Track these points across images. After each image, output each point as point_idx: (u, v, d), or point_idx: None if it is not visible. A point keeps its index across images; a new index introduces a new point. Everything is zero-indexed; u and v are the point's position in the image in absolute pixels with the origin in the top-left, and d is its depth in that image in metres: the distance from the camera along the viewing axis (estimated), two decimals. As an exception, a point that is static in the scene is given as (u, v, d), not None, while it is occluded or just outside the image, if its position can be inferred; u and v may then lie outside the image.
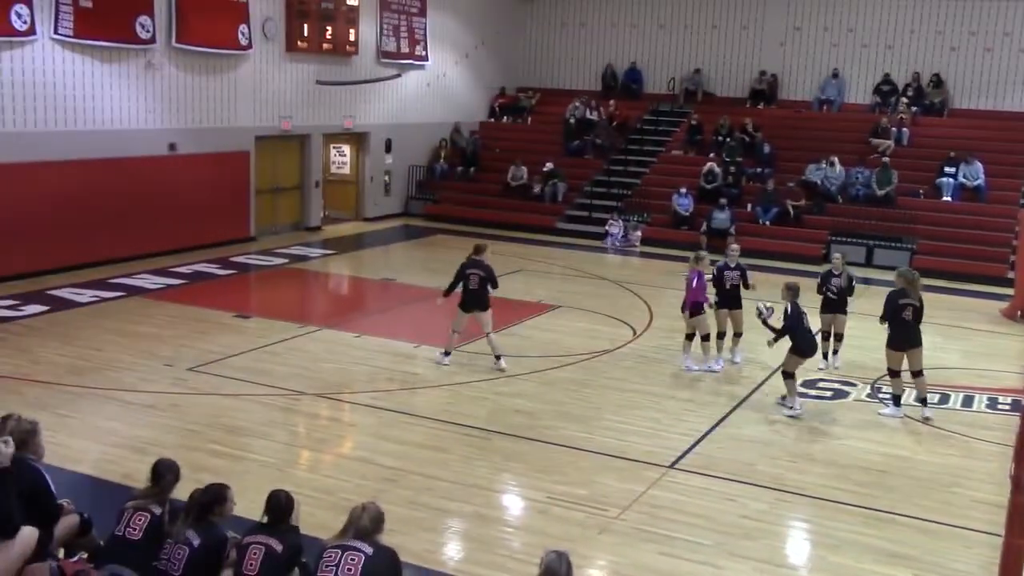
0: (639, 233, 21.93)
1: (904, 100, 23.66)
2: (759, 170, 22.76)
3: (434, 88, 24.97)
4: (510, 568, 7.09)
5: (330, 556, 5.38)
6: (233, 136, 19.21)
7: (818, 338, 11.97)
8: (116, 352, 11.99)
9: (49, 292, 14.82)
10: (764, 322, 10.94)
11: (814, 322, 11.72)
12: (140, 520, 5.92)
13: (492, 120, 27.15)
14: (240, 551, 5.67)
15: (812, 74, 25.15)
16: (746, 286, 12.44)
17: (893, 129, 22.79)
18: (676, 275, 17.74)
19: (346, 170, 23.78)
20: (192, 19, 17.75)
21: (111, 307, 14.29)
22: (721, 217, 21.15)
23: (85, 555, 6.40)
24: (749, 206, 21.75)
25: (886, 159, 21.80)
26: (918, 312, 10.64)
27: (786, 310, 10.75)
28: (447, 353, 12.05)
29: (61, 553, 6.30)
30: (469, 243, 12.63)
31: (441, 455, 9.18)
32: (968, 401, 11.62)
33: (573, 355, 12.74)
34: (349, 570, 5.31)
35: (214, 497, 5.92)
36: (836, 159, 21.98)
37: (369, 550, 5.39)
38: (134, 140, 17.22)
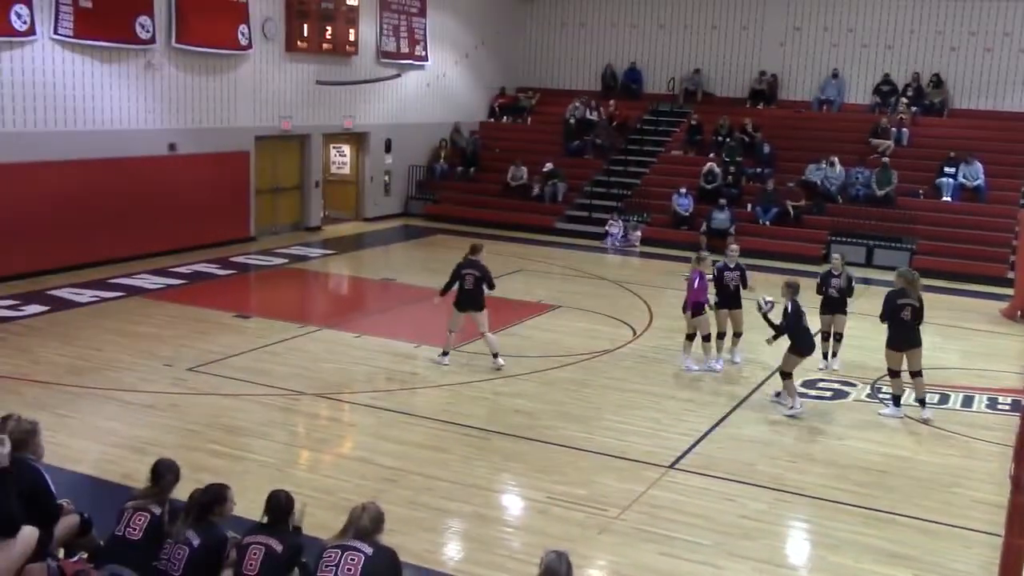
0: (639, 233, 21.94)
1: (904, 100, 23.67)
2: (759, 170, 22.76)
3: (434, 88, 24.97)
4: (510, 568, 7.09)
5: (330, 556, 5.39)
6: (233, 136, 19.22)
7: (817, 339, 11.99)
8: (116, 352, 11.99)
9: (49, 292, 14.82)
10: (764, 316, 10.94)
11: (814, 322, 11.73)
12: (140, 520, 5.92)
13: (492, 120, 27.15)
14: (240, 551, 5.67)
15: (812, 74, 25.16)
16: (744, 286, 12.45)
17: (893, 129, 22.79)
18: (676, 275, 17.78)
19: (346, 170, 23.79)
20: (192, 19, 17.75)
21: (111, 307, 14.29)
22: (721, 217, 21.15)
23: (85, 555, 6.40)
24: (749, 206, 21.76)
25: (886, 159, 21.80)
26: (917, 312, 10.63)
27: (786, 308, 10.75)
28: (445, 353, 12.06)
29: (61, 553, 6.30)
30: (469, 243, 12.63)
31: (441, 455, 9.18)
32: (968, 401, 11.62)
33: (573, 355, 12.74)
34: (349, 570, 5.31)
35: (214, 497, 5.92)
36: (836, 159, 21.99)
37: (369, 550, 5.39)
38: (134, 140, 17.22)
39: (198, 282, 16.34)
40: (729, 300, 12.48)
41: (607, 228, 22.15)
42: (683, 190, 21.92)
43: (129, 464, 8.53)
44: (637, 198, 23.05)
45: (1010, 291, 17.09)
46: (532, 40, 27.91)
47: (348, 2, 21.28)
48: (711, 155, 23.14)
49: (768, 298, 11.04)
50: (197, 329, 13.24)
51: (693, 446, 9.71)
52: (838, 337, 12.45)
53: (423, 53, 24.10)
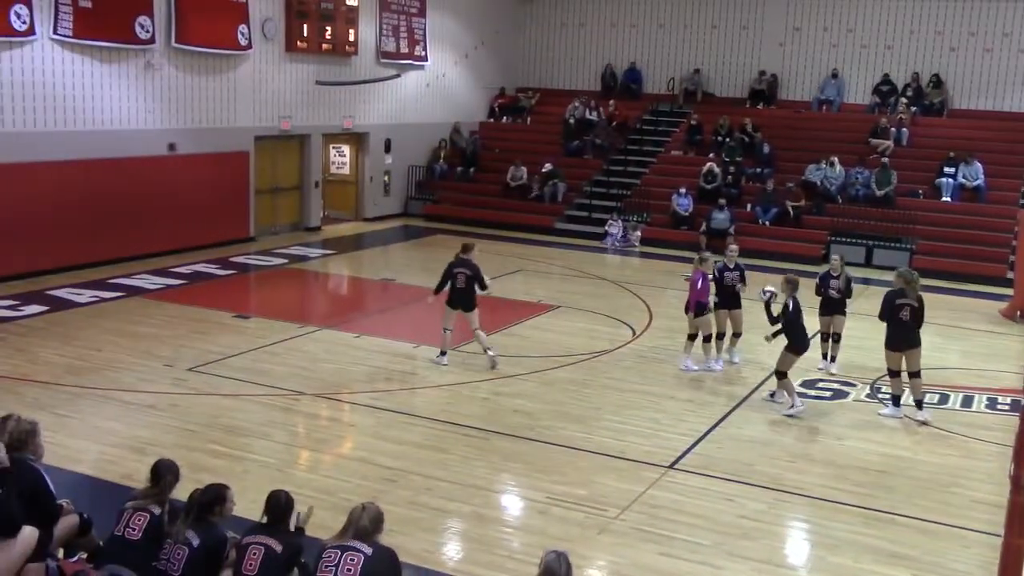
0: (639, 233, 21.94)
1: (903, 100, 23.67)
2: (759, 170, 22.76)
3: (434, 88, 24.98)
4: (509, 568, 7.09)
5: (329, 556, 5.39)
6: (233, 136, 19.22)
7: (816, 339, 12.00)
8: (115, 352, 12.00)
9: (48, 292, 14.82)
10: (766, 305, 10.96)
11: (813, 323, 11.73)
12: (140, 520, 5.93)
13: (492, 120, 27.15)
14: (240, 551, 5.67)
15: (812, 74, 25.16)
16: (744, 285, 12.47)
17: (892, 129, 22.79)
18: (676, 275, 17.80)
19: (346, 170, 23.78)
20: (192, 19, 17.76)
21: (110, 307, 14.29)
22: (720, 217, 21.15)
23: (85, 555, 6.41)
24: (749, 206, 21.76)
25: (885, 159, 21.80)
26: (916, 313, 10.61)
27: (786, 305, 10.75)
28: (444, 353, 12.07)
29: (61, 553, 6.31)
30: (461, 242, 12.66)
31: (440, 455, 9.19)
32: (967, 401, 11.62)
33: (573, 355, 12.75)
34: (348, 570, 5.31)
35: (214, 497, 5.92)
36: (836, 159, 21.99)
37: (368, 550, 5.39)
38: (133, 140, 17.22)
39: (198, 282, 16.33)
40: (729, 300, 12.48)
41: (607, 228, 22.15)
42: (683, 190, 21.92)
43: (129, 464, 8.54)
44: (637, 198, 23.05)
45: (1010, 291, 17.09)
46: (532, 40, 27.91)
47: (348, 2, 21.28)
48: (711, 155, 23.15)
49: (769, 288, 11.06)
50: (197, 329, 13.24)
51: (693, 446, 9.71)
52: (836, 338, 12.43)
53: (423, 53, 24.10)
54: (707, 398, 11.34)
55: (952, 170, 21.45)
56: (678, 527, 7.87)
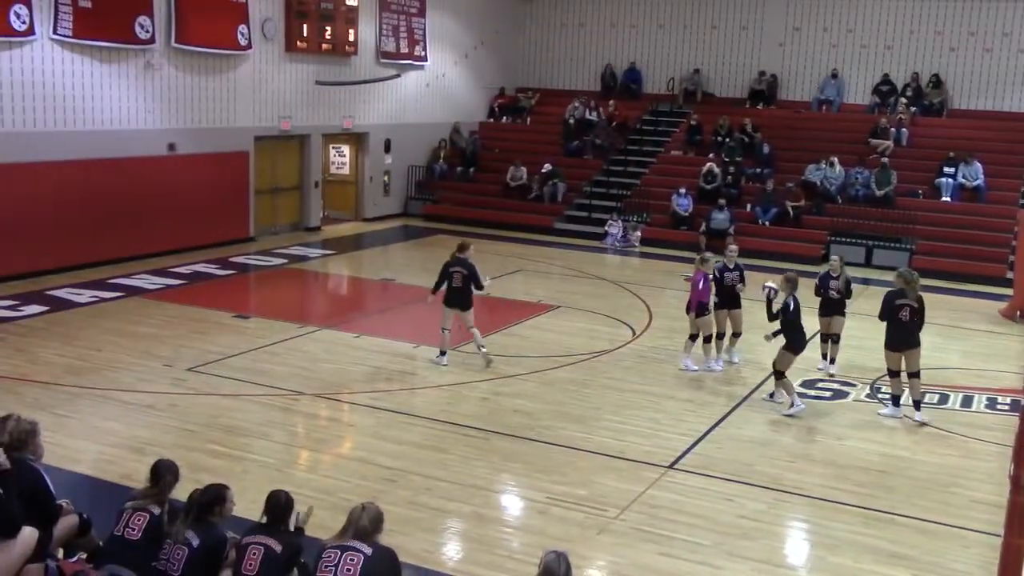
0: (638, 233, 21.94)
1: (903, 100, 23.67)
2: (758, 170, 22.77)
3: (433, 88, 24.97)
4: (509, 568, 7.09)
5: (329, 556, 5.39)
6: (232, 136, 19.22)
7: (816, 340, 11.98)
8: (115, 352, 11.99)
9: (48, 292, 14.82)
10: (768, 302, 10.97)
11: (812, 323, 11.71)
12: (139, 520, 5.93)
13: (491, 120, 27.15)
14: (239, 551, 5.67)
15: (811, 74, 25.16)
16: (743, 285, 12.48)
17: (892, 129, 22.79)
18: (675, 275, 17.81)
19: (345, 170, 23.78)
20: (191, 19, 17.75)
21: (110, 307, 14.28)
22: (720, 217, 21.15)
23: (84, 555, 6.41)
24: (748, 206, 21.76)
25: (885, 159, 21.81)
26: (916, 313, 10.61)
27: (787, 304, 10.74)
28: (443, 353, 12.07)
29: (60, 553, 6.31)
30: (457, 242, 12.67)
31: (440, 455, 9.18)
32: (967, 401, 11.62)
33: (572, 355, 12.75)
34: (348, 570, 5.31)
35: (213, 497, 5.92)
36: (835, 159, 21.99)
37: (368, 550, 5.39)
38: (133, 140, 17.22)
39: (197, 282, 16.33)
40: (728, 300, 12.48)
41: (606, 228, 22.15)
42: (682, 190, 21.93)
43: (128, 464, 8.54)
44: (636, 198, 23.04)
45: (1009, 291, 17.10)
46: (531, 40, 27.92)
47: (347, 2, 21.28)
48: (710, 155, 23.15)
49: (772, 284, 11.08)
50: (196, 329, 13.24)
51: (692, 446, 9.71)
52: (835, 339, 12.42)
53: (422, 53, 24.10)
54: (707, 398, 11.34)
55: (952, 170, 21.45)
56: (678, 527, 7.86)
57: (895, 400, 10.88)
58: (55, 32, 15.67)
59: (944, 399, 11.56)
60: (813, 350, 12.53)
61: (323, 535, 5.80)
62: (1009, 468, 5.62)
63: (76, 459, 8.64)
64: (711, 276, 12.30)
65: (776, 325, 10.84)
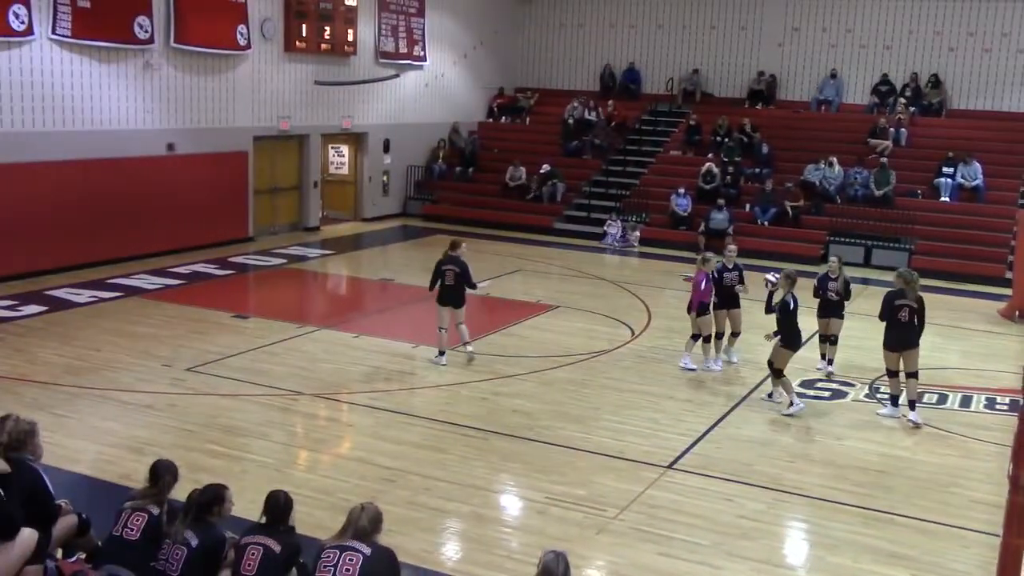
0: (638, 233, 21.94)
1: (902, 100, 23.67)
2: (757, 170, 22.77)
3: (432, 88, 24.97)
4: (508, 568, 7.09)
5: (328, 556, 5.39)
6: (231, 136, 19.21)
7: (815, 340, 11.95)
8: (114, 352, 11.99)
9: (47, 292, 14.81)
10: (770, 294, 10.97)
11: (810, 324, 11.69)
12: (138, 520, 5.92)
13: (490, 120, 27.15)
14: (238, 551, 5.66)
15: (810, 74, 25.17)
16: (742, 284, 12.48)
17: (891, 129, 22.80)
18: (675, 275, 17.81)
19: (344, 170, 23.78)
20: (190, 19, 17.75)
21: (109, 307, 14.28)
22: (719, 217, 21.15)
23: (83, 555, 6.40)
24: (747, 206, 21.76)
25: (884, 159, 21.81)
26: (916, 314, 10.60)
27: (787, 303, 10.74)
28: (442, 353, 12.08)
29: (59, 553, 6.30)
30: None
31: (439, 455, 9.18)
32: (966, 401, 11.62)
33: (572, 355, 12.74)
34: (347, 570, 5.31)
35: (212, 497, 5.92)
36: (834, 159, 21.99)
37: (367, 550, 5.39)
38: (132, 140, 17.21)
39: (196, 282, 16.33)
40: (728, 300, 12.48)
41: (605, 228, 22.15)
42: (681, 190, 21.93)
43: (127, 464, 8.53)
44: (635, 198, 23.04)
45: (1008, 291, 17.10)
46: (531, 40, 27.92)
47: (347, 2, 21.28)
48: (710, 155, 23.16)
49: (775, 276, 11.09)
50: (195, 329, 13.23)
51: (691, 446, 9.71)
52: (833, 340, 12.40)
53: (422, 53, 24.10)
54: (706, 398, 11.34)
55: (951, 170, 21.46)
56: (677, 527, 7.86)
57: (894, 400, 10.88)
58: (54, 32, 15.67)
59: (943, 399, 11.56)
60: (812, 350, 12.55)
61: (322, 535, 5.80)
62: (1008, 468, 5.62)
63: (75, 459, 8.63)
64: (711, 276, 12.32)
65: (774, 319, 10.84)
